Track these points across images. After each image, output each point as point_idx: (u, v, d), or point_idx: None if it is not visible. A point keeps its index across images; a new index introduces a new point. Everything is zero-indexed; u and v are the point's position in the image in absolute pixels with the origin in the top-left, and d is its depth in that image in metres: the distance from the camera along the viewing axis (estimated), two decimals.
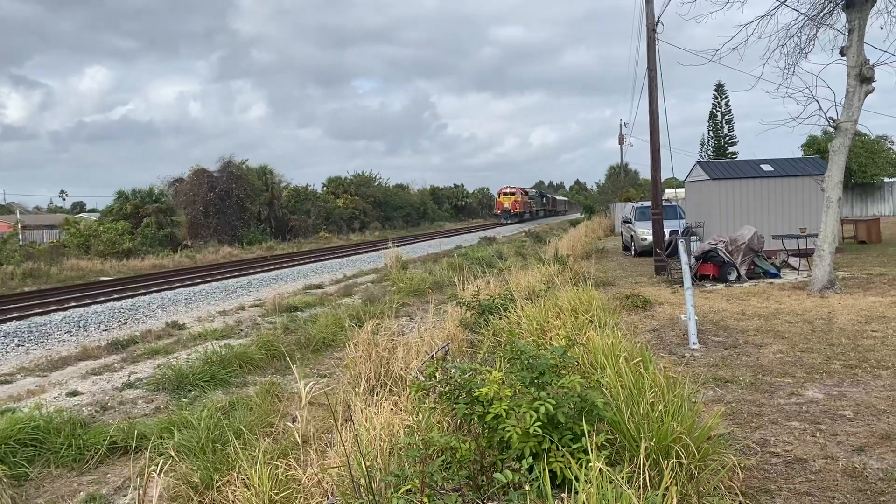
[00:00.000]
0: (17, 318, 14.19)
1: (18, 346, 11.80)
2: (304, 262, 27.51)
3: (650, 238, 19.44)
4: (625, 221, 26.67)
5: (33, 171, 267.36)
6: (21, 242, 38.91)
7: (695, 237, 17.73)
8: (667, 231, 18.62)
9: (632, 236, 24.14)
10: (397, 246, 24.21)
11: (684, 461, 3.94)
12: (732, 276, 14.96)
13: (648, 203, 21.55)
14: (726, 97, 59.82)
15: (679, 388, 4.98)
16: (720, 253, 15.14)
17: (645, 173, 57.00)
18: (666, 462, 3.62)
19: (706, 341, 9.09)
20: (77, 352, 10.93)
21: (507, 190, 74.96)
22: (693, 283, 11.88)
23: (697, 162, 22.42)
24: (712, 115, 60.61)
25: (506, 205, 72.06)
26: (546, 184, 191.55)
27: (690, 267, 12.28)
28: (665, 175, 18.93)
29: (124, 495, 5.29)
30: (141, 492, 4.11)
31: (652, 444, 3.96)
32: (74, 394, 8.33)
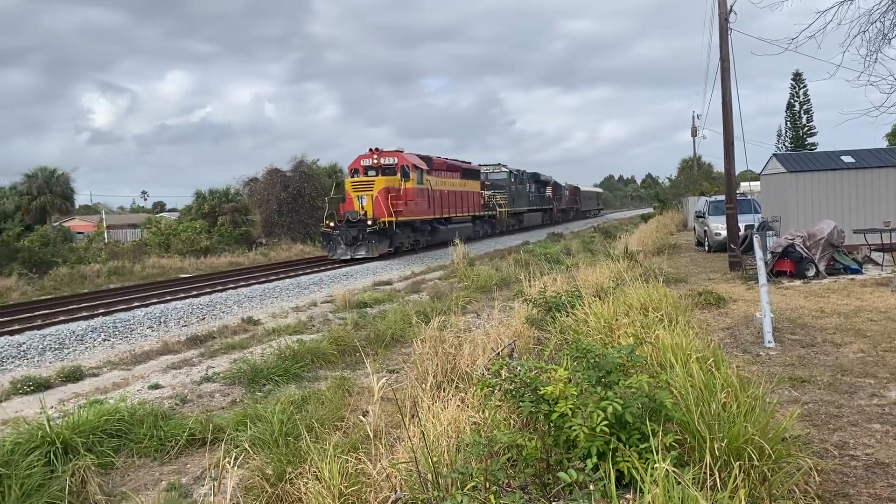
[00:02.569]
0: (103, 314, 14.87)
1: (104, 340, 12.37)
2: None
3: (724, 233, 18.93)
4: (698, 216, 26.05)
5: (118, 173, 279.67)
6: (106, 241, 40.75)
7: (771, 232, 17.17)
8: (741, 226, 18.09)
9: (705, 231, 23.57)
10: (464, 243, 24.28)
11: (757, 463, 3.86)
12: (811, 273, 14.43)
13: (722, 197, 20.98)
14: (804, 86, 57.66)
15: (752, 387, 4.87)
16: (798, 248, 14.63)
17: (719, 166, 55.32)
18: (737, 463, 3.55)
19: (782, 340, 8.82)
20: (158, 346, 11.38)
21: (371, 161, 29.20)
22: (769, 280, 11.52)
23: (774, 154, 21.71)
24: (790, 106, 58.54)
25: (359, 203, 27.69)
26: (616, 178, 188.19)
27: (766, 263, 11.92)
28: (739, 168, 18.41)
29: (202, 485, 5.50)
30: (216, 483, 4.27)
31: (723, 445, 3.89)
32: (156, 387, 8.69)
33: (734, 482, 3.18)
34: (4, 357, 10.96)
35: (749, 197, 25.35)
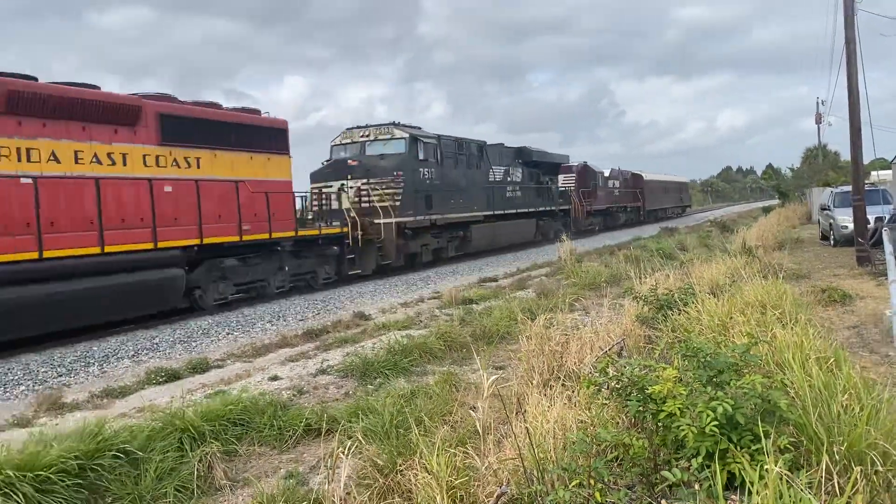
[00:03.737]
0: (228, 310, 15.72)
1: (228, 334, 13.09)
2: (479, 256, 28.05)
3: (851, 226, 17.88)
4: (822, 208, 24.69)
5: None
6: None
7: None
8: (870, 218, 17.03)
9: (830, 224, 22.33)
10: (571, 238, 24.01)
11: (881, 468, 3.67)
12: None
13: (848, 188, 19.80)
14: None
15: (878, 389, 4.62)
16: None
17: (846, 155, 51.87)
18: (858, 468, 3.39)
19: None
20: (277, 340, 11.93)
21: None
22: None
23: None
24: None
25: None
26: (734, 169, 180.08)
27: None
28: (868, 156, 17.30)
29: (318, 474, 5.76)
30: (331, 472, 4.48)
31: (842, 448, 3.73)
32: (275, 378, 9.12)
33: (853, 487, 3.05)
34: (139, 349, 11.81)
35: (879, 187, 23.83)
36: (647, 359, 5.42)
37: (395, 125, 22.88)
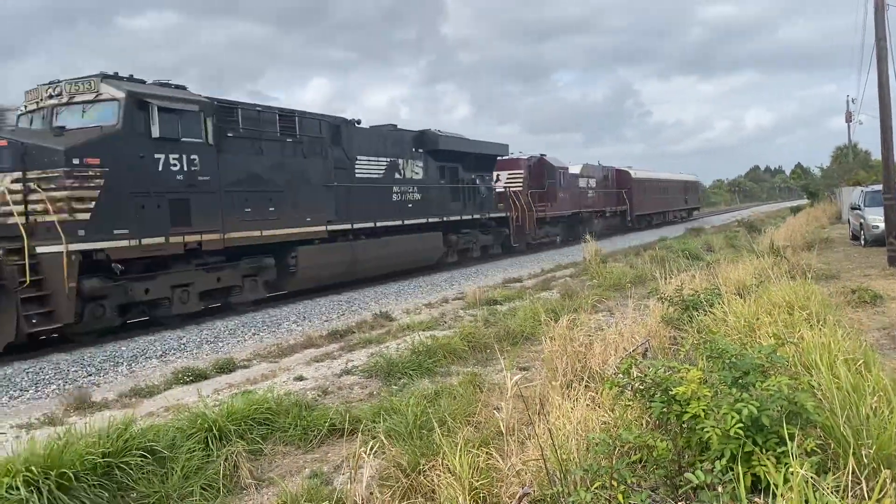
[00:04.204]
0: (254, 311, 15.86)
1: (254, 335, 13.21)
2: (504, 257, 28.01)
3: (882, 225, 17.58)
4: (853, 208, 24.32)
5: None
6: None
7: None
8: None
9: (861, 224, 21.99)
10: (596, 239, 23.89)
11: None
12: None
13: (880, 187, 19.45)
14: None
15: None
16: None
17: (877, 154, 51.00)
18: (886, 471, 3.34)
19: None
20: (302, 340, 12.01)
21: None
22: None
23: None
24: None
25: None
26: (762, 168, 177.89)
27: None
28: None
29: (342, 473, 5.78)
30: (354, 472, 4.50)
31: (871, 451, 3.67)
32: (300, 378, 9.18)
33: (881, 490, 3.00)
34: (167, 349, 11.96)
35: None
36: (672, 360, 5.38)
37: (106, 78, 13.26)
